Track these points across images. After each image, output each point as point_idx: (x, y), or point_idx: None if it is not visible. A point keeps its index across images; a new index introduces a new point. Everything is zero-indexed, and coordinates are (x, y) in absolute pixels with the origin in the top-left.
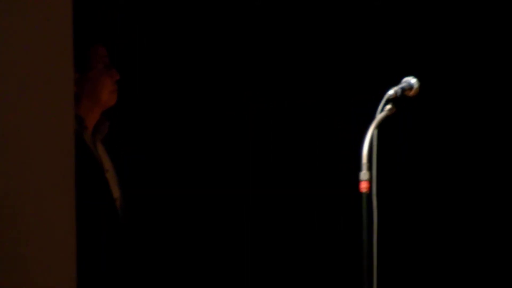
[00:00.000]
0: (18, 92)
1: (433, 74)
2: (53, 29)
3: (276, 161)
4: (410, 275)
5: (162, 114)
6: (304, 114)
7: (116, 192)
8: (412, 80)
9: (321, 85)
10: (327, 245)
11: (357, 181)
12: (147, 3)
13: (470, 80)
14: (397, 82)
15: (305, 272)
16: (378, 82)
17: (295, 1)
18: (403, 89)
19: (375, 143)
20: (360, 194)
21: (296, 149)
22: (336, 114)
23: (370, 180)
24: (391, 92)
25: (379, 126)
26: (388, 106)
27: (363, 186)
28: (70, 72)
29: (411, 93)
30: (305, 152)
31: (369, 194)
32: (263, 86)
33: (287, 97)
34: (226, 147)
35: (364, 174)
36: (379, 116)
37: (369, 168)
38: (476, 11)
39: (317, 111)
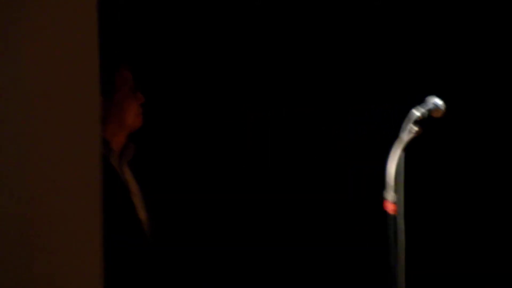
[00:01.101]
0: (47, 116)
1: (440, 67)
2: (80, 52)
3: (276, 166)
4: None
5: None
6: (304, 120)
7: (143, 215)
8: (439, 102)
9: (320, 91)
10: (352, 268)
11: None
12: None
13: (475, 72)
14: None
15: (311, 266)
16: (376, 89)
17: (294, 6)
18: (429, 111)
19: (402, 165)
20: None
21: (297, 154)
22: (335, 120)
23: (397, 203)
24: (417, 114)
25: (405, 148)
26: (415, 128)
27: (390, 208)
28: (97, 95)
29: (439, 114)
30: (304, 157)
31: (396, 216)
32: (263, 92)
33: (287, 103)
34: (227, 152)
35: (390, 196)
36: (405, 137)
37: (396, 190)
38: (478, 12)
39: (316, 118)
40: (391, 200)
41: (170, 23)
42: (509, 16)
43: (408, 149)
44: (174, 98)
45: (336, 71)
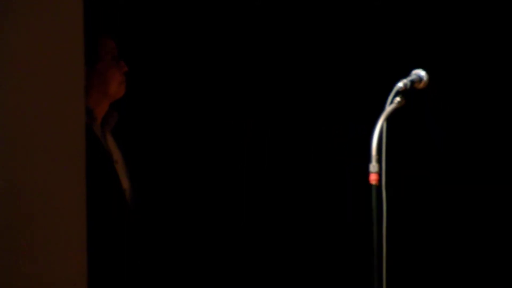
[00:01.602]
0: (30, 86)
1: (440, 67)
2: (64, 22)
3: (282, 154)
4: (420, 268)
5: (168, 105)
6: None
7: (125, 183)
8: (422, 73)
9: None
10: (336, 237)
11: (365, 174)
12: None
13: (475, 73)
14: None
15: (314, 264)
16: (380, 78)
17: (292, 8)
18: (412, 82)
19: (384, 135)
20: (369, 186)
21: (303, 141)
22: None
23: (379, 173)
24: (400, 84)
25: (389, 119)
26: (398, 99)
27: (373, 179)
28: (81, 65)
29: (421, 85)
30: (310, 145)
31: (379, 186)
32: (264, 80)
33: (288, 92)
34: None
35: (373, 167)
36: (388, 108)
37: (379, 161)
38: (473, 4)
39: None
40: (373, 171)
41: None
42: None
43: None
44: (177, 86)
45: (336, 75)
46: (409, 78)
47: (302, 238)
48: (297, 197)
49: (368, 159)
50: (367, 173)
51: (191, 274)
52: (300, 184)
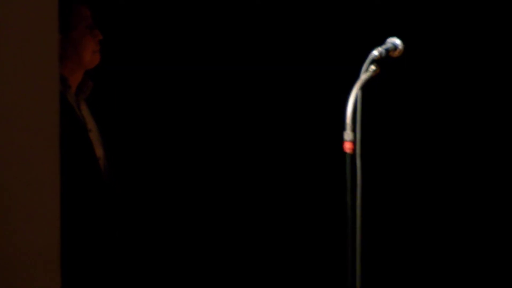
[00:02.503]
0: (3, 53)
1: (418, 37)
2: None
3: (255, 121)
4: (394, 238)
5: (144, 76)
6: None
7: (99, 152)
8: (397, 41)
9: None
10: (311, 207)
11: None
12: None
13: (455, 43)
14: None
15: (288, 235)
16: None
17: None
18: (387, 50)
19: (359, 104)
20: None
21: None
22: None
23: (354, 141)
24: (375, 53)
25: (364, 87)
26: (372, 67)
27: (347, 147)
28: (55, 33)
29: (396, 53)
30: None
31: (353, 155)
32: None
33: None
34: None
35: (348, 135)
36: (363, 76)
37: (353, 129)
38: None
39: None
40: (348, 139)
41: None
42: None
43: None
44: (158, 54)
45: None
46: (384, 46)
47: (276, 206)
48: (271, 166)
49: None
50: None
51: (165, 246)
52: (274, 152)
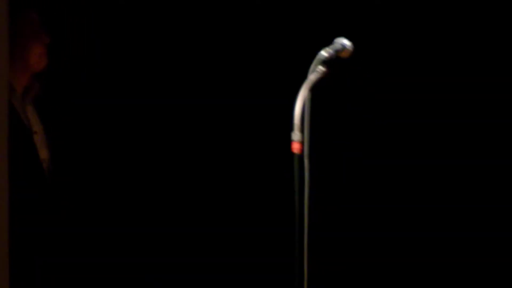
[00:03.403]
0: None
1: (366, 37)
2: None
3: (203, 123)
4: (341, 238)
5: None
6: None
7: (44, 154)
8: (345, 41)
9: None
10: (258, 205)
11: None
12: None
13: (402, 44)
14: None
15: (237, 236)
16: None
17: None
18: (336, 51)
19: (308, 104)
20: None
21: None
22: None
23: (302, 142)
24: (323, 53)
25: (314, 88)
26: (321, 68)
27: (295, 147)
28: (5, 40)
29: (344, 54)
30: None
31: (301, 155)
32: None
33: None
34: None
35: (296, 135)
36: (311, 77)
37: (302, 130)
38: None
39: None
40: (296, 140)
41: None
42: None
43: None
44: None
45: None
46: (332, 47)
47: (224, 205)
48: (219, 165)
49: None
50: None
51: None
52: (222, 152)
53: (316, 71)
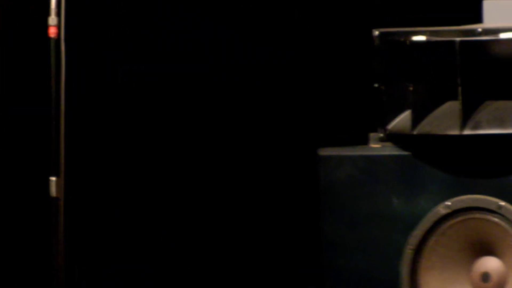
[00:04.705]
0: None
1: None
2: None
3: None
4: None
5: None
6: None
7: None
8: None
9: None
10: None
11: None
12: None
13: None
14: None
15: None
16: None
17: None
18: None
19: None
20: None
21: None
22: None
23: (59, 26)
24: None
25: None
26: None
27: (52, 32)
28: None
29: None
30: None
31: (58, 40)
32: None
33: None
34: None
35: (52, 20)
36: None
37: (58, 14)
38: None
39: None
40: (53, 24)
41: None
42: None
43: None
44: None
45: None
46: None
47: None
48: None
49: None
50: None
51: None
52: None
53: None
